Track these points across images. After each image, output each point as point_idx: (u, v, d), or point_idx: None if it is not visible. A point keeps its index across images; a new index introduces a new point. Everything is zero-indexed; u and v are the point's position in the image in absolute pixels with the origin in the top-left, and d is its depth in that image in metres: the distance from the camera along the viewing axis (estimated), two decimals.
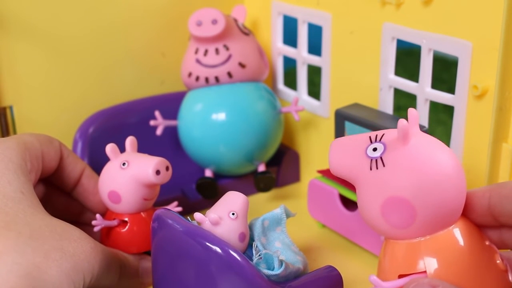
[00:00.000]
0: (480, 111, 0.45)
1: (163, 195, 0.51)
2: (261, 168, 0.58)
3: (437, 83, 0.50)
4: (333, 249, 0.53)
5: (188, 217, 0.42)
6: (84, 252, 0.40)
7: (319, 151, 0.61)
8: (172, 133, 0.59)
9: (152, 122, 0.57)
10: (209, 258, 0.39)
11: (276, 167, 0.62)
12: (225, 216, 0.41)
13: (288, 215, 0.46)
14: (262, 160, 0.58)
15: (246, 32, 0.58)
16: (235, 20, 0.58)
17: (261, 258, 0.41)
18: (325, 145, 0.59)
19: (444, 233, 0.34)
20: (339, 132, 0.51)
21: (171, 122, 0.58)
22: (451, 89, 0.48)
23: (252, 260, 0.41)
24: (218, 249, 0.39)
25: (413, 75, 0.52)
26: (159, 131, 0.57)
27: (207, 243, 0.39)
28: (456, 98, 0.46)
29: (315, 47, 0.60)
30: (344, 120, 0.50)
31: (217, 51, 0.56)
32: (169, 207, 0.49)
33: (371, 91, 0.53)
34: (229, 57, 0.56)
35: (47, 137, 0.47)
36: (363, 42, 0.53)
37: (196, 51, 0.56)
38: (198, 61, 0.56)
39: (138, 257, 0.47)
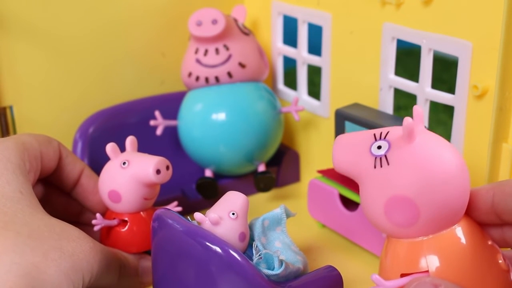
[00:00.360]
0: (480, 111, 0.45)
1: (163, 195, 0.51)
2: (261, 168, 0.58)
3: (437, 83, 0.50)
4: (333, 249, 0.53)
5: (188, 217, 0.42)
6: (83, 251, 0.40)
7: (319, 151, 0.61)
8: (172, 133, 0.59)
9: (152, 122, 0.57)
10: (209, 258, 0.39)
11: (276, 167, 0.62)
12: (225, 216, 0.41)
13: (288, 215, 0.46)
14: (262, 160, 0.58)
15: (246, 32, 0.58)
16: (235, 20, 0.58)
17: (261, 258, 0.41)
18: (325, 145, 0.59)
19: (446, 232, 0.34)
20: (339, 132, 0.51)
21: (171, 122, 0.58)
22: (451, 89, 0.48)
23: (252, 260, 0.41)
24: (218, 249, 0.39)
25: (413, 75, 0.52)
26: (159, 131, 0.57)
27: (207, 243, 0.39)
28: (456, 98, 0.46)
29: (315, 47, 0.60)
30: (344, 120, 0.50)
31: (217, 51, 0.56)
32: (169, 207, 0.49)
33: (371, 91, 0.53)
34: (229, 57, 0.56)
35: (46, 137, 0.47)
36: (363, 42, 0.53)
37: (196, 51, 0.56)
38: (198, 61, 0.56)
39: (138, 257, 0.47)
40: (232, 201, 0.42)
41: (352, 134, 0.37)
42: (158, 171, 0.45)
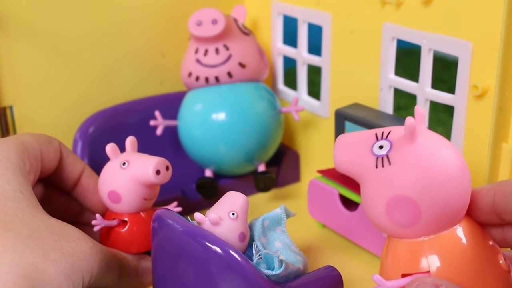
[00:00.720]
0: (480, 111, 0.45)
1: (163, 195, 0.51)
2: (261, 168, 0.58)
3: (437, 83, 0.50)
4: (333, 249, 0.53)
5: (188, 217, 0.42)
6: (83, 252, 0.40)
7: (319, 151, 0.61)
8: (172, 133, 0.59)
9: (152, 122, 0.57)
10: (209, 258, 0.39)
11: (276, 167, 0.62)
12: (225, 216, 0.41)
13: (288, 215, 0.46)
14: (262, 160, 0.58)
15: (246, 32, 0.58)
16: (235, 20, 0.58)
17: (261, 258, 0.41)
18: (325, 145, 0.59)
19: (448, 232, 0.34)
20: (339, 132, 0.51)
21: (171, 122, 0.58)
22: (451, 89, 0.48)
23: (252, 260, 0.41)
24: (218, 249, 0.39)
25: (413, 75, 0.52)
26: (159, 131, 0.57)
27: (207, 243, 0.39)
28: (456, 98, 0.46)
29: (315, 47, 0.60)
30: (344, 120, 0.50)
31: (217, 51, 0.56)
32: (169, 207, 0.49)
33: (371, 91, 0.53)
34: (229, 57, 0.56)
35: (46, 137, 0.47)
36: (363, 42, 0.53)
37: (196, 51, 0.56)
38: (198, 61, 0.56)
39: (138, 257, 0.47)
40: (232, 201, 0.42)
41: (354, 134, 0.37)
42: (158, 172, 0.45)
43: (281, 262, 0.41)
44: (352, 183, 0.37)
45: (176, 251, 0.40)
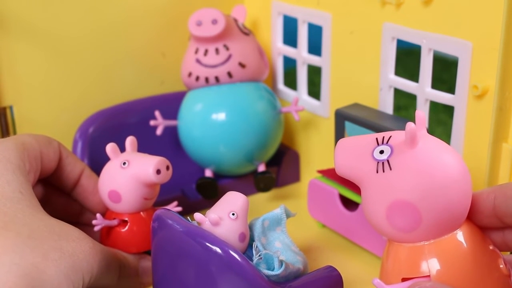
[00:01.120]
0: (480, 111, 0.45)
1: (163, 195, 0.51)
2: (261, 168, 0.58)
3: (437, 83, 0.50)
4: (333, 249, 0.53)
5: (188, 217, 0.42)
6: (83, 252, 0.40)
7: (319, 151, 0.61)
8: (172, 133, 0.59)
9: (152, 122, 0.57)
10: (209, 258, 0.39)
11: (276, 167, 0.62)
12: (225, 216, 0.41)
13: (288, 215, 0.46)
14: (262, 160, 0.58)
15: (246, 32, 0.58)
16: (235, 20, 0.58)
17: (261, 258, 0.41)
18: (325, 145, 0.59)
19: (448, 237, 0.34)
20: (339, 132, 0.51)
21: (171, 122, 0.58)
22: (451, 89, 0.48)
23: (252, 260, 0.41)
24: (218, 250, 0.39)
25: (413, 75, 0.52)
26: (159, 131, 0.57)
27: (207, 244, 0.39)
28: (456, 98, 0.46)
29: (315, 47, 0.60)
30: (344, 120, 0.50)
31: (217, 51, 0.56)
32: (168, 207, 0.49)
33: (371, 91, 0.53)
34: (229, 57, 0.56)
35: (46, 138, 0.47)
36: (363, 42, 0.53)
37: (196, 51, 0.56)
38: (198, 61, 0.56)
39: (138, 257, 0.48)
40: (232, 201, 0.42)
41: (354, 138, 0.37)
42: (158, 171, 0.45)
43: (281, 262, 0.41)
44: (352, 183, 0.37)
45: (176, 251, 0.40)
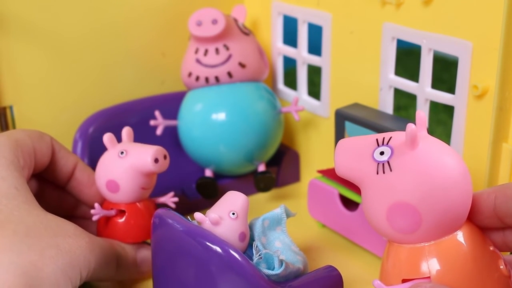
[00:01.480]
0: (480, 111, 0.45)
1: (163, 194, 0.51)
2: (261, 168, 0.58)
3: (437, 83, 0.50)
4: (333, 249, 0.53)
5: (188, 217, 0.42)
6: (79, 247, 0.40)
7: (319, 151, 0.61)
8: (172, 133, 0.59)
9: (152, 122, 0.57)
10: (209, 257, 0.39)
11: (276, 167, 0.62)
12: (225, 216, 0.41)
13: (288, 215, 0.46)
14: (262, 160, 0.58)
15: (246, 32, 0.58)
16: (235, 20, 0.58)
17: (261, 258, 0.41)
18: (325, 145, 0.59)
19: (448, 238, 0.34)
20: (339, 132, 0.51)
21: (171, 122, 0.58)
22: (451, 89, 0.48)
23: (252, 260, 0.41)
24: (218, 249, 0.39)
25: (413, 75, 0.52)
26: (159, 131, 0.57)
27: (207, 243, 0.39)
28: (456, 98, 0.46)
29: (315, 47, 0.60)
30: (344, 120, 0.50)
31: (217, 51, 0.56)
32: (165, 197, 0.49)
33: (371, 91, 0.53)
34: (229, 57, 0.56)
35: (38, 133, 0.46)
36: (363, 42, 0.53)
37: (196, 51, 0.56)
38: (198, 61, 0.56)
39: (136, 247, 0.48)
40: (232, 201, 0.42)
41: (354, 139, 0.37)
42: (156, 160, 0.45)
43: (281, 262, 0.41)
44: (352, 183, 0.37)
45: (176, 250, 0.41)
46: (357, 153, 0.36)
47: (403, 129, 0.35)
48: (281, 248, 0.45)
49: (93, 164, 0.53)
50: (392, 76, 0.52)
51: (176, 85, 0.63)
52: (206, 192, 0.57)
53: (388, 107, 0.53)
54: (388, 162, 0.34)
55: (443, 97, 0.48)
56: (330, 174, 0.53)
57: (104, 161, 0.47)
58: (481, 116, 0.45)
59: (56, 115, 0.59)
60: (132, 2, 0.60)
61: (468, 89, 0.45)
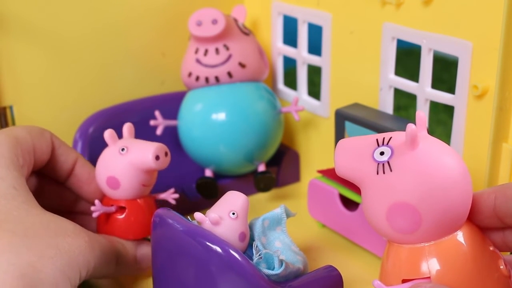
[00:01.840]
0: (480, 111, 0.45)
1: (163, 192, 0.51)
2: (261, 168, 0.58)
3: (437, 83, 0.50)
4: (333, 249, 0.53)
5: (188, 217, 0.42)
6: (79, 247, 0.40)
7: (319, 151, 0.61)
8: (172, 133, 0.59)
9: (152, 122, 0.57)
10: (209, 257, 0.39)
11: (276, 167, 0.62)
12: (225, 216, 0.41)
13: (288, 215, 0.46)
14: (262, 160, 0.58)
15: (246, 32, 0.58)
16: (235, 20, 0.58)
17: (261, 257, 0.41)
18: (325, 145, 0.59)
19: (448, 238, 0.34)
20: (339, 132, 0.51)
21: (171, 122, 0.58)
22: (451, 89, 0.48)
23: (252, 259, 0.41)
24: (218, 249, 0.39)
25: (413, 75, 0.52)
26: (159, 131, 0.57)
27: (207, 243, 0.39)
28: (456, 98, 0.46)
29: (315, 47, 0.60)
30: (344, 120, 0.50)
31: (217, 51, 0.56)
32: (165, 194, 0.49)
33: (371, 91, 0.53)
34: (229, 57, 0.56)
35: (38, 129, 0.46)
36: (363, 42, 0.53)
37: (196, 51, 0.56)
38: (198, 61, 0.56)
39: (136, 243, 0.47)
40: (232, 201, 0.42)
41: (354, 139, 0.37)
42: (157, 157, 0.45)
43: (281, 262, 0.41)
44: (352, 183, 0.37)
45: (176, 250, 0.41)
46: (357, 153, 0.36)
47: (403, 129, 0.34)
48: (281, 248, 0.45)
49: (93, 164, 0.53)
50: (392, 76, 0.52)
51: (176, 85, 0.63)
52: (206, 192, 0.57)
53: (388, 107, 0.53)
54: (388, 162, 0.34)
55: (443, 97, 0.48)
56: (330, 174, 0.53)
57: (105, 157, 0.47)
58: (481, 116, 0.45)
59: (56, 115, 0.59)
60: (132, 2, 0.60)
61: (468, 89, 0.45)
